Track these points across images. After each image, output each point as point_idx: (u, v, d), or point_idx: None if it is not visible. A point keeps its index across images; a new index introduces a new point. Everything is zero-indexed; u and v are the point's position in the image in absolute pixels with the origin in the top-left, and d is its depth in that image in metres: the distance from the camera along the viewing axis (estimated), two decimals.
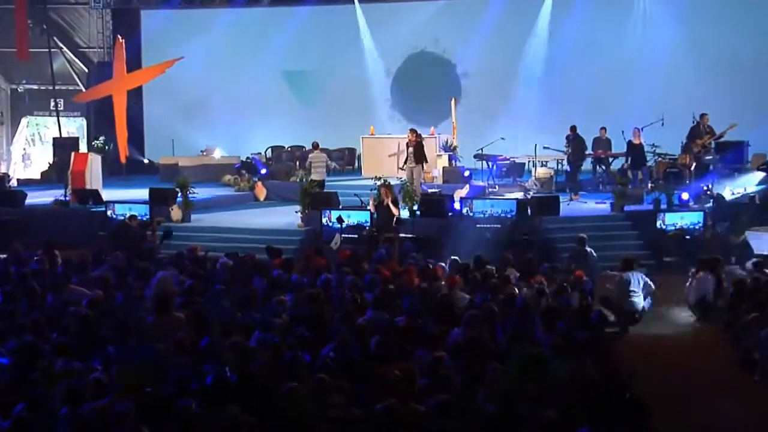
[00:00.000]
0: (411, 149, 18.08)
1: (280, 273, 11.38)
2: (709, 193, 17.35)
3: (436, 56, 25.14)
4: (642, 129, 19.00)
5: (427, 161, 18.37)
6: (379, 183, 16.35)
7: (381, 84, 25.43)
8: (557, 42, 23.27)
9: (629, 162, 19.15)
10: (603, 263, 13.83)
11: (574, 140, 19.27)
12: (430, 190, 18.24)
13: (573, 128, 19.36)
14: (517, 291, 10.41)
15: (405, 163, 18.17)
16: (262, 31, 25.43)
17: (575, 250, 13.62)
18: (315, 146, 19.78)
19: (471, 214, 15.81)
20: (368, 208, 15.93)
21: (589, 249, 13.57)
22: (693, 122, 19.39)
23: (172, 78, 23.34)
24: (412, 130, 18.38)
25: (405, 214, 16.55)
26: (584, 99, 22.37)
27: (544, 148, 19.94)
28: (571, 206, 17.84)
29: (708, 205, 16.69)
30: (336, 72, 25.07)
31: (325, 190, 18.08)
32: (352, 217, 15.68)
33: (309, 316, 9.18)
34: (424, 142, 18.50)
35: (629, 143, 18.99)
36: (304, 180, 18.02)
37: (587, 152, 19.79)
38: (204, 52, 24.65)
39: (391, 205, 15.60)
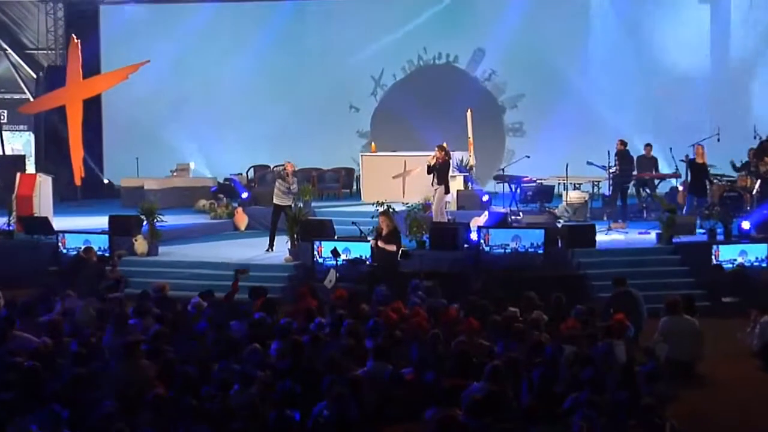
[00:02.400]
0: (437, 167, 18.02)
1: (264, 316, 11.40)
2: None
3: (447, 58, 25.31)
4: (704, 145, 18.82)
5: (447, 182, 18.38)
6: (380, 209, 16.44)
7: (382, 92, 25.66)
8: (594, 42, 23.46)
9: (689, 186, 18.95)
10: (648, 305, 13.80)
11: (622, 157, 19.18)
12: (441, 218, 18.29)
13: (622, 143, 19.30)
14: (545, 338, 10.42)
15: (432, 185, 18.21)
16: (241, 30, 25.71)
17: (615, 291, 13.61)
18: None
19: (488, 248, 15.87)
20: (368, 239, 16.01)
21: (631, 289, 13.58)
22: (755, 137, 19.46)
23: (137, 85, 23.51)
24: (441, 147, 18.35)
25: (412, 245, 16.61)
26: (625, 110, 22.53)
27: (588, 163, 20.03)
28: (610, 237, 17.88)
29: None
30: (330, 78, 25.28)
31: (318, 218, 18.11)
32: (350, 250, 15.72)
33: (298, 368, 9.19)
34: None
35: (691, 162, 18.83)
36: (292, 206, 18.09)
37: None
38: (174, 54, 24.90)
39: (381, 245, 15.63)
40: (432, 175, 18.09)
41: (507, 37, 23.97)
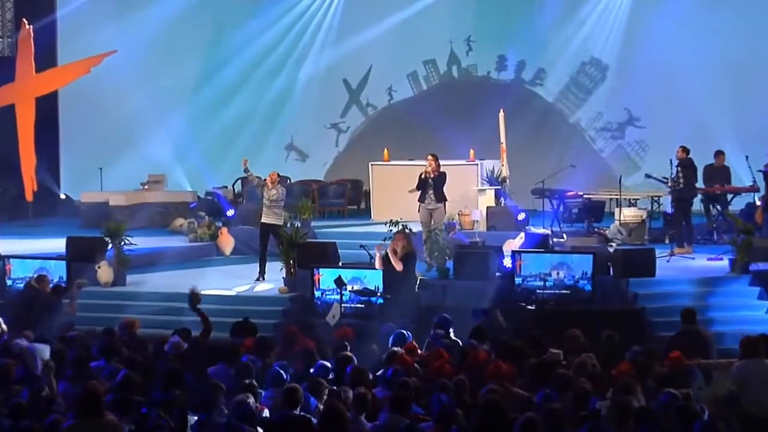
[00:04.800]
0: (431, 182, 18.12)
1: (253, 359, 11.42)
2: None
3: (474, 49, 25.44)
4: None
5: (446, 200, 18.43)
6: (394, 230, 16.46)
7: (397, 88, 25.77)
8: (651, 29, 23.49)
9: None
10: (719, 346, 13.80)
11: (686, 167, 19.20)
12: (469, 241, 18.32)
13: (684, 149, 19.29)
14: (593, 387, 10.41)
15: (422, 201, 18.22)
16: (224, 15, 25.80)
17: (681, 329, 13.60)
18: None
19: (521, 281, 15.89)
20: (373, 262, 16.05)
21: (699, 326, 13.55)
22: None
23: (101, 80, 23.64)
24: (435, 156, 18.47)
25: (433, 274, 16.61)
26: (689, 110, 22.53)
27: (646, 176, 19.96)
28: (673, 264, 17.87)
29: None
30: (332, 67, 25.40)
31: (318, 240, 18.15)
32: (359, 279, 15.76)
33: (294, 422, 9.20)
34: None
35: None
36: (287, 225, 18.12)
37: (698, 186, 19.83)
38: (146, 43, 24.99)
39: (390, 256, 15.68)
40: (423, 191, 18.08)
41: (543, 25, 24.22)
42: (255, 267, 18.14)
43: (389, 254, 15.79)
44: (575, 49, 24.66)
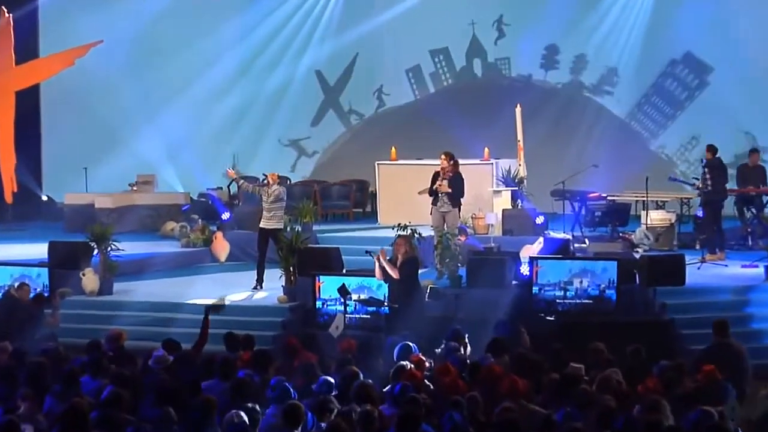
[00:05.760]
0: (446, 183, 18.03)
1: (250, 373, 11.41)
2: None
3: (487, 40, 25.43)
4: None
5: (461, 203, 18.36)
6: (401, 234, 16.49)
7: (403, 82, 25.82)
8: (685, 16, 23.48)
9: None
10: (754, 361, 13.76)
11: (713, 168, 19.23)
12: (483, 246, 18.34)
13: (711, 149, 19.30)
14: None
15: (434, 203, 18.21)
16: (217, 5, 25.80)
17: (712, 342, 13.58)
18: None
19: (540, 290, 15.86)
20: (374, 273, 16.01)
21: (732, 340, 13.53)
22: None
23: (86, 73, 23.66)
24: (448, 155, 18.36)
25: (444, 282, 16.60)
26: (717, 103, 22.54)
27: (670, 179, 19.92)
28: (704, 271, 17.87)
29: None
30: (332, 59, 25.46)
31: (321, 245, 18.13)
32: (364, 288, 15.77)
33: None
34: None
35: None
36: (287, 228, 18.13)
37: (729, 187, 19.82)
38: (134, 33, 24.99)
39: (385, 264, 15.54)
40: (437, 192, 17.96)
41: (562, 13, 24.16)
42: (252, 274, 18.14)
43: (382, 261, 15.61)
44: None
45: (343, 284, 15.47)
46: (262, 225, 18.08)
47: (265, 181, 18.22)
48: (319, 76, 26.38)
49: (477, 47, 25.66)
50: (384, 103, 26.22)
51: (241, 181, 19.05)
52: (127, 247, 18.76)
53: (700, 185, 19.35)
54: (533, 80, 25.14)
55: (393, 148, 22.75)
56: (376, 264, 15.76)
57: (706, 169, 19.13)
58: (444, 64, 25.94)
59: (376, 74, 26.19)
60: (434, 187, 17.87)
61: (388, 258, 15.86)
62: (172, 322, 16.28)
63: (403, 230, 16.69)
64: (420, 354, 12.31)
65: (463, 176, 18.26)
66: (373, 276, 16.00)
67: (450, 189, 17.58)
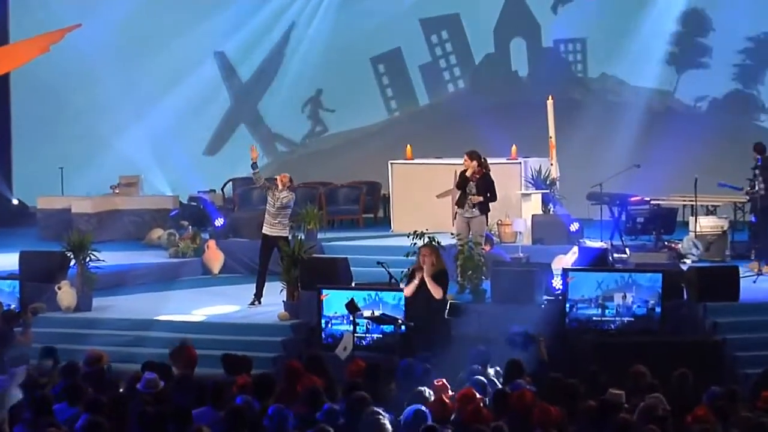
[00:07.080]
0: (473, 185, 18.02)
1: (248, 400, 11.32)
2: None
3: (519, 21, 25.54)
4: None
5: (489, 209, 18.32)
6: (419, 244, 16.36)
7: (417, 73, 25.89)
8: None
9: None
10: None
11: (765, 170, 19.15)
12: (510, 257, 18.32)
13: (760, 148, 19.34)
14: None
15: (458, 206, 18.18)
16: None
17: None
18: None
19: (574, 306, 15.75)
20: (401, 286, 15.99)
21: None
22: None
23: (62, 63, 23.71)
24: (473, 154, 18.28)
25: (466, 297, 16.53)
26: None
27: (720, 185, 19.91)
28: (760, 285, 17.83)
29: None
30: (335, 46, 25.59)
31: (327, 256, 18.06)
32: (376, 303, 15.72)
33: None
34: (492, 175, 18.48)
35: None
36: (289, 236, 18.03)
37: None
38: (117, 16, 25.06)
39: (428, 281, 15.57)
40: (463, 194, 18.00)
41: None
42: (249, 288, 18.09)
43: (426, 278, 15.54)
44: None
45: (352, 299, 15.38)
46: (264, 231, 17.99)
47: (272, 184, 18.04)
48: None
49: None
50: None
51: (257, 171, 18.69)
52: (107, 258, 18.65)
53: (750, 188, 19.41)
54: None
55: (408, 146, 22.75)
56: (415, 280, 15.67)
57: (756, 171, 19.19)
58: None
59: None
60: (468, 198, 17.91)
61: (407, 272, 15.91)
62: (159, 341, 16.17)
63: (420, 238, 16.56)
64: (442, 380, 12.24)
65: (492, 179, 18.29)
66: (385, 290, 16.00)
67: (482, 198, 17.60)
